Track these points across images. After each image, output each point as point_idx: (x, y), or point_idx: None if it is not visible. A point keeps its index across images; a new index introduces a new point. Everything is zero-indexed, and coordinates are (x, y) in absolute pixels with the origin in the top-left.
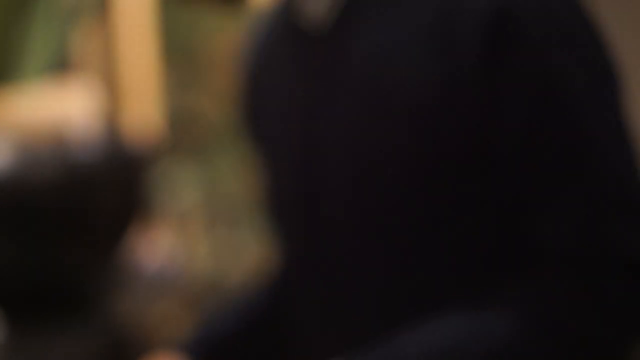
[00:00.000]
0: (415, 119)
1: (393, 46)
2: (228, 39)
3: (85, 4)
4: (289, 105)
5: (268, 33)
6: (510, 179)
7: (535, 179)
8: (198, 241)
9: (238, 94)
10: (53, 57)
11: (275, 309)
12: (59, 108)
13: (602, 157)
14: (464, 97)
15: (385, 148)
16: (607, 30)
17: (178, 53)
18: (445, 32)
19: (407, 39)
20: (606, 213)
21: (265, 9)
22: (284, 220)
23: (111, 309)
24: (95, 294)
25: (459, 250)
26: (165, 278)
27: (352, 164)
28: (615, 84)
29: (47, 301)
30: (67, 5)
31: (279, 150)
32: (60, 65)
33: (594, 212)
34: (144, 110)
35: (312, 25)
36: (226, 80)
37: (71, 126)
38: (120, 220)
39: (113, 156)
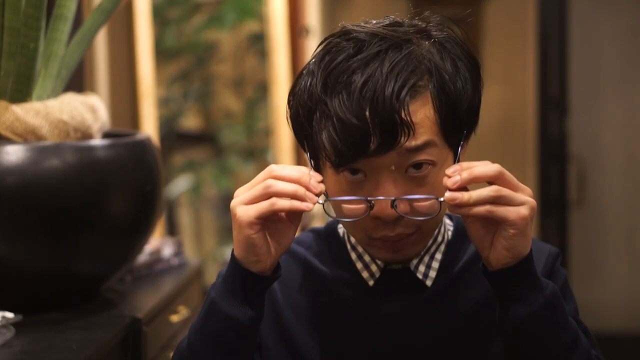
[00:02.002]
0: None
1: (479, 309)
2: None
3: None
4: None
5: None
6: None
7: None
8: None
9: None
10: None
11: None
12: (74, 107)
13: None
14: None
15: None
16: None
17: None
18: None
19: (483, 312)
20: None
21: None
22: None
23: (123, 303)
24: (109, 288)
25: None
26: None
27: None
28: None
29: (60, 296)
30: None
31: None
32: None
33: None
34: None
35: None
36: None
37: (87, 125)
38: (135, 216)
39: (127, 154)
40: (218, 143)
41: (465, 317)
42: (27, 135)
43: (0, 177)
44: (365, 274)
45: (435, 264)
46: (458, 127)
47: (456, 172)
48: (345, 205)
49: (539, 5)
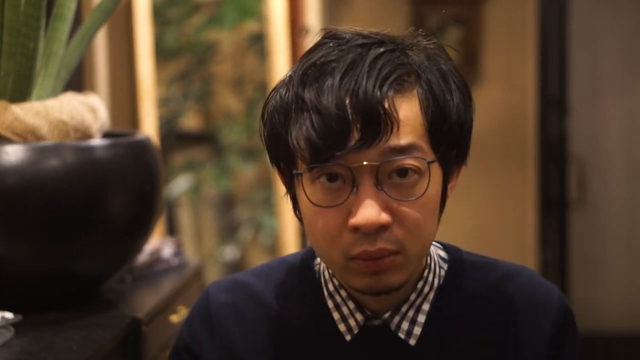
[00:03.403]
0: None
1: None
2: None
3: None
4: None
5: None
6: None
7: None
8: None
9: None
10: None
11: None
12: (74, 107)
13: None
14: None
15: None
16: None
17: None
18: (516, 351)
19: (486, 355)
20: None
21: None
22: None
23: (123, 303)
24: (108, 288)
25: None
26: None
27: None
28: None
29: (60, 296)
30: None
31: None
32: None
33: None
34: None
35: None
36: None
37: (86, 125)
38: (134, 216)
39: (126, 154)
40: (218, 143)
41: None
42: (27, 135)
43: (0, 177)
44: (342, 327)
45: (422, 318)
46: (448, 137)
47: None
48: (320, 219)
49: (539, 5)
